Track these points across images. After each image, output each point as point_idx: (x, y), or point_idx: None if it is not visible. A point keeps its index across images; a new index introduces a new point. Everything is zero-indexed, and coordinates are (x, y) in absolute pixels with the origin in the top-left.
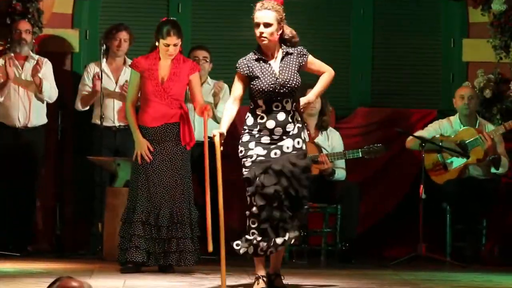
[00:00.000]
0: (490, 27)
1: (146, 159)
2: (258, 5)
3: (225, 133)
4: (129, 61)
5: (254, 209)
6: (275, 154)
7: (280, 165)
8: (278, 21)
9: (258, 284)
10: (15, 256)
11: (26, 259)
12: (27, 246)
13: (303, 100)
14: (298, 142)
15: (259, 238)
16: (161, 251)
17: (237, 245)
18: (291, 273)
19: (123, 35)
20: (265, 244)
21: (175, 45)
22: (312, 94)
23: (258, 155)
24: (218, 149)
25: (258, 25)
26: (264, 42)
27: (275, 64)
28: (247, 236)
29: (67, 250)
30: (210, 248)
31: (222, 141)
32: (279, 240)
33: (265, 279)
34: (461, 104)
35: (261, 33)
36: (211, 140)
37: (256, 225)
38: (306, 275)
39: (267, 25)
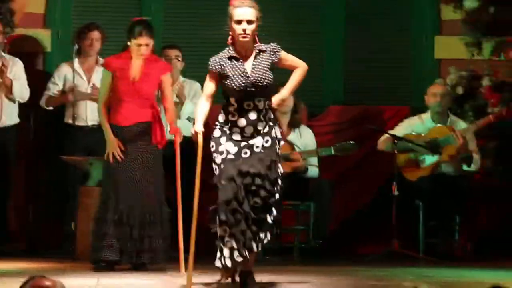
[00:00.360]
0: (463, 24)
1: (118, 158)
2: (237, 2)
3: (203, 131)
4: (101, 61)
5: (222, 216)
6: (245, 153)
7: (249, 166)
8: (257, 19)
9: (224, 278)
10: None
11: None
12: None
13: (276, 98)
14: (267, 141)
15: (234, 245)
16: (133, 250)
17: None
18: (265, 270)
19: (95, 35)
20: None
21: (146, 45)
22: (285, 91)
23: (228, 152)
24: (200, 148)
25: (239, 22)
26: (246, 39)
27: (247, 63)
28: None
29: (40, 249)
30: (183, 270)
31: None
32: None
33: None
34: (434, 102)
35: (244, 30)
36: (192, 146)
37: (227, 233)
38: (279, 271)
39: (249, 22)
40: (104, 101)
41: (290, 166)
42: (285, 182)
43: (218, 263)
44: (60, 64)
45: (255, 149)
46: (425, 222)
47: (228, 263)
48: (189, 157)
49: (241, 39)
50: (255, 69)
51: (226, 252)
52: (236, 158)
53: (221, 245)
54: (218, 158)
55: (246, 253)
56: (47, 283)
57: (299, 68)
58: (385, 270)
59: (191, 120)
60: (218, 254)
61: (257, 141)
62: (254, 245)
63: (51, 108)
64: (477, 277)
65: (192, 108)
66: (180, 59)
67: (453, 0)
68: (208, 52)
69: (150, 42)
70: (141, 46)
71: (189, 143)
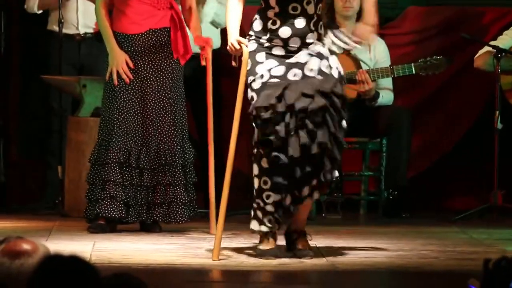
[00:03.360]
0: None
1: (125, 78)
2: None
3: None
4: None
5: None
6: (295, 75)
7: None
8: None
9: (266, 243)
10: None
11: None
12: None
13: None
14: (329, 66)
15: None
16: (143, 203)
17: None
18: (321, 232)
19: None
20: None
21: None
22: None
23: (271, 75)
24: (245, 67)
25: None
26: None
27: None
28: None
29: (15, 202)
30: (213, 229)
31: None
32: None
33: (275, 236)
34: None
35: None
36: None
37: (269, 184)
38: (340, 233)
39: None
40: (105, 1)
41: (355, 90)
42: (348, 112)
43: (255, 226)
44: None
45: (308, 73)
46: None
47: (270, 225)
48: (213, 76)
49: None
50: None
51: (268, 208)
52: (282, 82)
53: (259, 201)
54: (256, 82)
55: (294, 208)
56: (26, 246)
57: None
58: (484, 232)
59: (217, 25)
60: (257, 214)
61: (313, 63)
62: (307, 195)
63: (41, 11)
64: None
65: (215, 8)
66: None
67: None
68: None
69: None
70: None
71: (214, 57)
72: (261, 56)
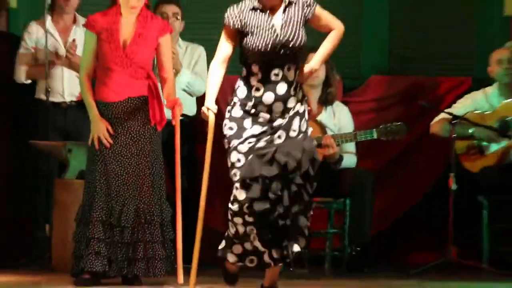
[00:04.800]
0: None
1: (105, 144)
2: None
3: (216, 108)
4: (81, 20)
5: (248, 218)
6: (279, 137)
7: (285, 155)
8: None
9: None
10: None
11: None
12: None
13: (305, 69)
14: (304, 125)
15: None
16: (124, 258)
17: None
18: (289, 285)
19: None
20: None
21: None
22: (316, 60)
23: (257, 140)
24: (212, 130)
25: None
26: None
27: (275, 16)
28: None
29: (5, 258)
30: (180, 279)
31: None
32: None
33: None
34: (499, 71)
35: None
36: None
37: (254, 234)
38: (307, 287)
39: None
40: (87, 71)
41: (320, 153)
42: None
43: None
44: (29, 23)
45: (292, 133)
46: (491, 224)
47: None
48: (189, 141)
49: None
50: (286, 24)
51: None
52: (267, 145)
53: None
54: (244, 145)
55: (271, 261)
56: None
57: (335, 30)
58: (440, 285)
59: (191, 93)
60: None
61: (295, 123)
62: (286, 254)
63: (29, 81)
64: None
65: (188, 78)
66: (179, 17)
67: None
68: (213, 9)
69: None
70: None
71: (189, 123)
72: (247, 122)
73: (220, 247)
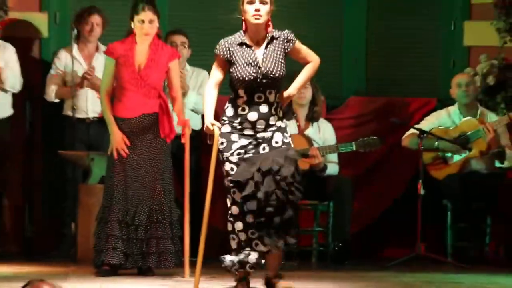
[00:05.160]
0: (494, 8)
1: (122, 154)
2: None
3: (218, 124)
4: (102, 47)
5: (249, 218)
6: (264, 148)
7: (269, 164)
8: (271, 1)
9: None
10: None
11: None
12: None
13: (284, 95)
14: (286, 137)
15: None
16: (139, 252)
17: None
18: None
19: (96, 19)
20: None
21: (150, 21)
22: (293, 87)
23: (245, 151)
24: (217, 141)
25: (252, 2)
26: (258, 20)
27: (259, 51)
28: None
29: (38, 252)
30: (187, 275)
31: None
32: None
33: (247, 282)
34: (459, 92)
35: (257, 10)
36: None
37: (257, 235)
38: (296, 277)
39: (263, 2)
40: (107, 91)
41: (307, 163)
42: (302, 180)
43: (231, 265)
44: (58, 50)
45: (275, 144)
46: (453, 224)
47: (249, 268)
48: (195, 152)
49: (253, 20)
50: (267, 58)
51: (253, 257)
52: (255, 157)
53: (248, 249)
54: (234, 157)
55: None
56: (47, 287)
57: (312, 62)
58: (411, 276)
59: (196, 112)
60: (242, 257)
61: (277, 136)
62: (279, 245)
63: (57, 100)
64: (510, 284)
65: (195, 99)
66: (186, 45)
67: None
68: (217, 39)
69: (154, 19)
70: (144, 22)
71: (196, 137)
72: (234, 136)
73: (224, 264)
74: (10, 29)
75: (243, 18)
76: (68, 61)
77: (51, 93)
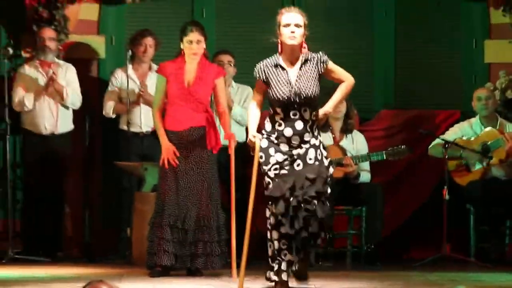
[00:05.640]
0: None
1: (172, 163)
2: (285, 8)
3: (259, 135)
4: (154, 67)
5: (283, 229)
6: (298, 165)
7: (301, 182)
8: (305, 25)
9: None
10: (46, 261)
11: (56, 264)
12: (57, 252)
13: (320, 112)
14: (320, 154)
15: (288, 258)
16: (188, 254)
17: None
18: (317, 276)
19: (149, 41)
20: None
21: (198, 42)
22: (328, 106)
23: (281, 167)
24: (258, 152)
25: (288, 25)
26: (293, 41)
27: (292, 71)
28: (277, 261)
29: (96, 255)
30: (235, 275)
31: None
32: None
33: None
34: (479, 105)
35: (292, 32)
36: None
37: (286, 246)
38: (332, 277)
39: (297, 25)
40: (159, 106)
41: (342, 171)
42: (337, 187)
43: (274, 277)
44: (115, 69)
45: (309, 161)
46: (476, 226)
47: (285, 277)
48: (241, 162)
49: (289, 41)
50: (300, 79)
51: (284, 265)
52: (290, 172)
53: (279, 258)
54: (271, 172)
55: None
56: (105, 287)
57: (346, 82)
58: (437, 275)
59: (241, 124)
60: (276, 267)
61: (310, 153)
62: (302, 256)
63: (114, 116)
64: None
65: (240, 112)
66: (232, 64)
67: (502, 4)
68: (259, 58)
69: (201, 39)
70: (192, 43)
71: (240, 148)
72: (272, 150)
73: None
74: (72, 51)
75: (279, 40)
76: (123, 79)
77: (109, 109)
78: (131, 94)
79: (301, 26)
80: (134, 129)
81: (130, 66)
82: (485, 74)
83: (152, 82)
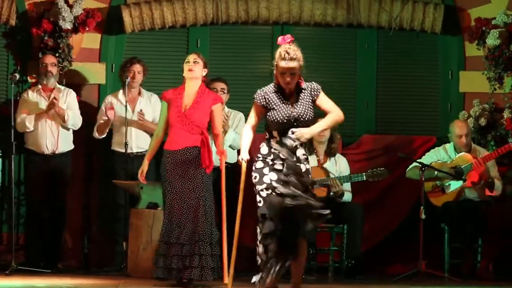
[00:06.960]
0: (485, 60)
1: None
2: (283, 53)
3: (248, 158)
4: (144, 92)
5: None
6: (290, 177)
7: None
8: (300, 67)
9: None
10: (46, 272)
11: (56, 275)
12: (57, 264)
13: (304, 131)
14: (306, 165)
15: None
16: (183, 267)
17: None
18: None
19: (137, 68)
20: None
21: (194, 61)
22: (312, 130)
23: (272, 183)
24: (244, 173)
25: (284, 73)
26: (289, 86)
27: (291, 98)
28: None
29: (94, 266)
30: (226, 279)
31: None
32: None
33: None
34: (457, 141)
35: (288, 82)
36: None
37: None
38: None
39: (293, 73)
40: (157, 135)
41: (325, 191)
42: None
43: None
44: (106, 96)
45: (299, 174)
46: (450, 244)
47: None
48: (231, 182)
49: (285, 87)
50: (298, 104)
51: (272, 271)
52: (284, 190)
53: (268, 266)
54: (264, 192)
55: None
56: None
57: (333, 113)
58: None
59: (233, 148)
60: (264, 274)
61: (302, 166)
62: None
63: (103, 136)
64: None
65: (233, 136)
66: (225, 91)
67: (477, 38)
68: (251, 85)
69: (198, 60)
70: (189, 62)
71: (231, 170)
72: (266, 170)
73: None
74: (74, 77)
75: (275, 73)
76: (115, 103)
77: (94, 131)
78: (119, 118)
79: (296, 73)
80: (124, 150)
81: (120, 91)
82: (460, 103)
83: (142, 106)
